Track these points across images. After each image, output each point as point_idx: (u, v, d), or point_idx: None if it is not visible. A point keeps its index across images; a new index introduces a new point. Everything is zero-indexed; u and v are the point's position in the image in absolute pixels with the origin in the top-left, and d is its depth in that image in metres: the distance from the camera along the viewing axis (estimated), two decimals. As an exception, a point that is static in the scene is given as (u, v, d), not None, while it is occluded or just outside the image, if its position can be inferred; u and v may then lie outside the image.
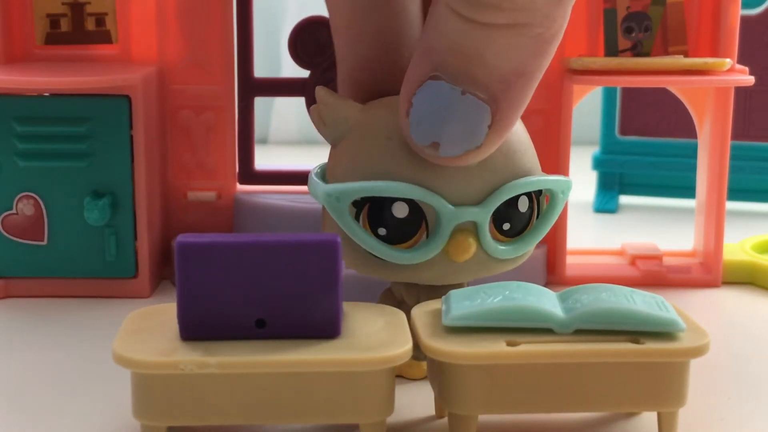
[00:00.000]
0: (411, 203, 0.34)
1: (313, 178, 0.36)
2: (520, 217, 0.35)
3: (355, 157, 0.35)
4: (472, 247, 0.34)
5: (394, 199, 0.34)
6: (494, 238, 0.35)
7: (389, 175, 0.34)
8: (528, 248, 0.36)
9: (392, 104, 0.34)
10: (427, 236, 0.34)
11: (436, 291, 0.35)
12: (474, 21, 0.31)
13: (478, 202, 0.34)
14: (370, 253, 0.35)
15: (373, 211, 0.34)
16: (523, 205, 0.35)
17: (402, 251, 0.34)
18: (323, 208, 0.35)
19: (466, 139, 0.32)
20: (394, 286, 0.37)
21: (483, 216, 0.34)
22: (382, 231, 0.34)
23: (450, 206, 0.34)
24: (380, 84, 0.36)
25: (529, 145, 0.36)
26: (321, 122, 0.36)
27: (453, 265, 0.35)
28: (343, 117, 0.35)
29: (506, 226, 0.35)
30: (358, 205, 0.34)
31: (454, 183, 0.34)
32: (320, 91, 0.36)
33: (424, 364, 0.37)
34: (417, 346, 0.31)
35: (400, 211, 0.34)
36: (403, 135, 0.33)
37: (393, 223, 0.34)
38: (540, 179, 0.35)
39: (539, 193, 0.36)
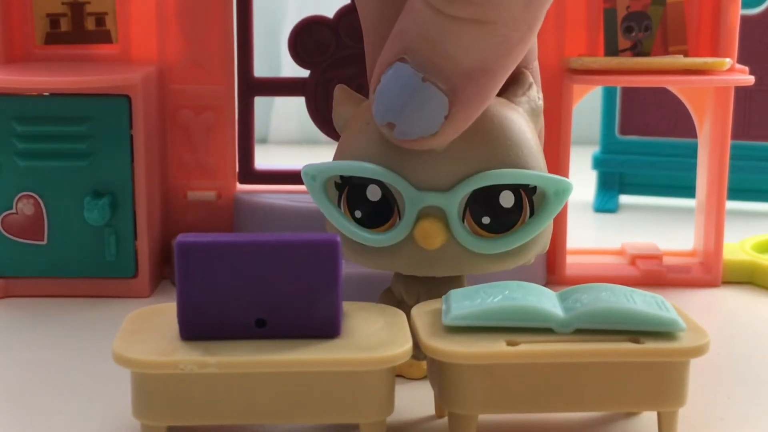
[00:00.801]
0: (383, 187, 0.35)
1: None
2: (504, 212, 0.35)
3: (342, 143, 0.36)
4: (439, 234, 0.34)
5: (369, 183, 0.35)
6: (473, 231, 0.35)
7: (363, 157, 0.35)
8: (510, 246, 0.35)
9: None
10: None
11: (436, 290, 0.35)
12: (442, 12, 0.31)
13: (447, 189, 0.34)
14: (350, 238, 0.35)
15: (351, 194, 0.35)
16: (506, 200, 0.35)
17: (372, 233, 0.35)
18: None
19: (421, 125, 0.33)
20: (394, 285, 0.37)
21: (449, 203, 0.34)
22: (358, 213, 0.35)
23: (413, 189, 0.34)
24: None
25: (526, 141, 0.35)
26: (335, 117, 0.37)
27: (426, 254, 0.35)
28: (347, 110, 0.36)
29: (486, 220, 0.35)
30: (340, 187, 0.35)
31: (423, 168, 0.34)
32: (337, 89, 0.37)
33: (424, 364, 0.37)
34: (417, 345, 0.31)
35: (374, 194, 0.35)
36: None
37: (368, 206, 0.35)
38: (517, 173, 0.34)
39: (533, 191, 0.35)
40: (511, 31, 0.32)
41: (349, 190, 0.35)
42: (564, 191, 0.35)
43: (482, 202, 0.34)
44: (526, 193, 0.35)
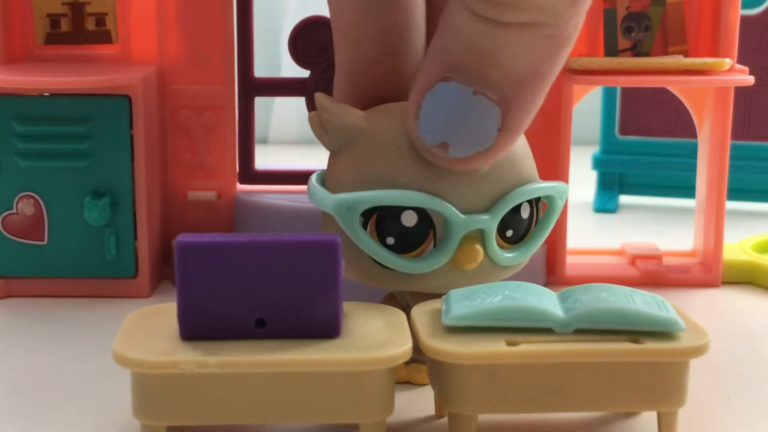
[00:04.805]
0: (420, 212, 0.34)
1: (315, 185, 0.36)
2: (522, 223, 0.35)
3: (364, 167, 0.35)
4: (480, 254, 0.34)
5: (404, 208, 0.34)
6: (499, 245, 0.35)
7: (399, 183, 0.34)
8: (530, 253, 0.36)
9: (399, 111, 0.34)
10: (435, 245, 0.34)
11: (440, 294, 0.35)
12: (491, 20, 0.31)
13: (486, 209, 0.34)
14: (376, 263, 0.35)
15: (381, 220, 0.34)
16: (525, 211, 0.35)
17: (411, 260, 0.34)
18: (322, 210, 0.35)
19: (476, 140, 0.32)
20: (399, 291, 0.37)
21: (491, 224, 0.34)
22: (390, 240, 0.34)
23: (460, 215, 0.34)
24: (378, 89, 0.36)
25: (529, 152, 0.36)
26: (321, 129, 0.35)
27: (459, 274, 0.35)
28: (346, 125, 0.35)
29: (509, 233, 0.35)
30: (366, 214, 0.34)
31: (463, 191, 0.34)
32: (320, 98, 0.35)
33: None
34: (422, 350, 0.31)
35: (409, 220, 0.34)
36: (412, 138, 0.33)
37: (401, 232, 0.34)
38: (542, 186, 0.35)
39: (538, 199, 0.36)
40: (560, 31, 0.31)
41: (378, 217, 0.34)
42: (565, 194, 0.36)
43: (508, 217, 0.35)
44: (535, 201, 0.36)
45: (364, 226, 0.34)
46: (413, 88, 0.33)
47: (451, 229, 0.34)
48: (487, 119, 0.32)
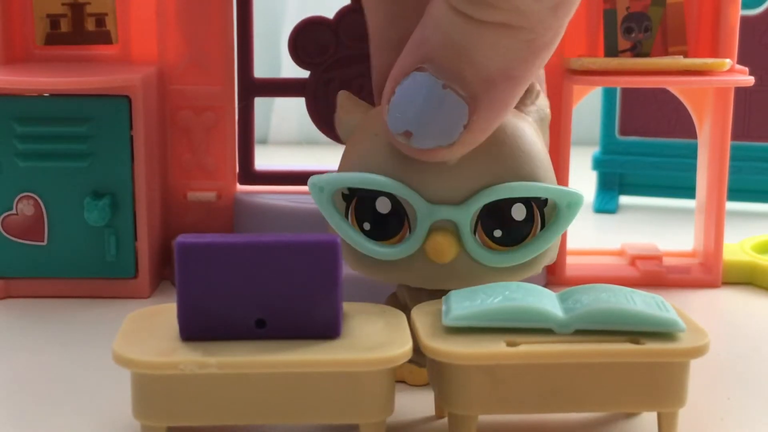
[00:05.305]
0: (393, 199, 0.34)
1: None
2: (516, 225, 0.35)
3: (348, 154, 0.35)
4: (451, 248, 0.34)
5: (377, 194, 0.34)
6: (485, 244, 0.35)
7: (372, 169, 0.34)
8: (523, 259, 0.35)
9: None
10: (410, 234, 0.34)
11: (441, 295, 0.35)
12: (469, 17, 0.31)
13: (459, 202, 0.34)
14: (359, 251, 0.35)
15: (360, 205, 0.35)
16: (518, 213, 0.34)
17: (380, 246, 0.34)
18: None
19: (440, 133, 0.32)
20: (399, 290, 0.37)
21: (462, 217, 0.34)
22: (366, 226, 0.35)
23: (425, 203, 0.34)
24: None
25: (537, 152, 0.35)
26: (339, 124, 0.37)
27: (438, 268, 0.34)
28: (353, 119, 0.36)
29: (497, 233, 0.35)
30: (347, 199, 0.35)
31: (435, 181, 0.34)
32: (340, 96, 0.37)
33: (425, 371, 0.37)
34: (419, 351, 0.31)
35: (383, 206, 0.34)
36: (383, 123, 0.33)
37: (377, 218, 0.35)
38: (530, 186, 0.34)
39: (544, 203, 0.35)
40: (537, 36, 0.31)
41: (357, 202, 0.35)
42: (576, 203, 0.35)
43: (494, 215, 0.34)
44: (537, 205, 0.35)
45: (347, 210, 0.35)
46: (391, 73, 0.33)
47: (417, 217, 0.34)
48: (454, 115, 0.32)
